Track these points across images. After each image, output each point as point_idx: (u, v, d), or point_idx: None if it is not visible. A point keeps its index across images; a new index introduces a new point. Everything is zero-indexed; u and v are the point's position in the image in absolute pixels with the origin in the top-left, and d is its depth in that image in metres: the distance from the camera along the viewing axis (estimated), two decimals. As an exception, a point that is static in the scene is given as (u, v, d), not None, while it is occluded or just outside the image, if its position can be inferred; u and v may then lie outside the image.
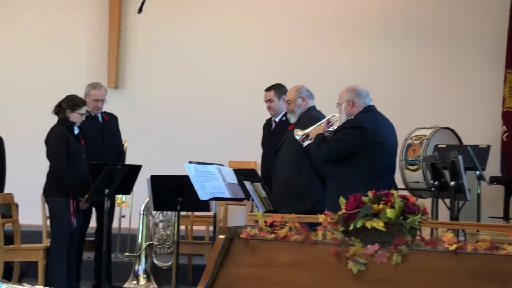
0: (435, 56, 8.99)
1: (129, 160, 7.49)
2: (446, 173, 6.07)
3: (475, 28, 8.89)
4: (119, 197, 7.52)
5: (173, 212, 6.89)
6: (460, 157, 5.76)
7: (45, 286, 6.07)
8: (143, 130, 9.29)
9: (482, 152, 7.16)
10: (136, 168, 6.46)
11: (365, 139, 5.01)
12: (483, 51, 8.85)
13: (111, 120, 7.07)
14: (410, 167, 7.71)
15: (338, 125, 5.25)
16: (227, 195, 5.75)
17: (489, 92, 8.80)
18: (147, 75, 9.57)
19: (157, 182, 6.10)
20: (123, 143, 7.30)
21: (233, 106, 9.30)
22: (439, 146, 7.39)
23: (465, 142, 7.72)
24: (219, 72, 9.39)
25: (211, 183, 5.66)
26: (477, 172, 6.61)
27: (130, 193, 6.86)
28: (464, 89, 8.92)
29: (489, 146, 7.36)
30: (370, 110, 5.18)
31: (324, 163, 5.29)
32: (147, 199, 6.74)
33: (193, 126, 9.34)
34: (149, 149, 9.12)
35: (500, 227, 4.94)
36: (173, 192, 6.02)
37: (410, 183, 7.75)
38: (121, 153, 7.19)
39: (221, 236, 3.62)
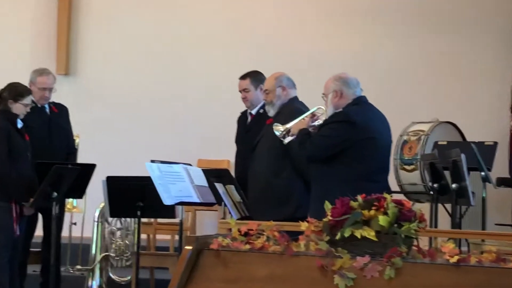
0: (435, 42, 9.04)
1: (81, 158, 7.46)
2: (447, 174, 6.12)
3: (480, 12, 8.96)
4: (70, 201, 7.48)
5: (132, 219, 6.87)
6: (462, 156, 5.81)
7: (-17, 304, 6.04)
8: (98, 124, 9.25)
9: (488, 150, 7.22)
10: (89, 168, 6.44)
11: (355, 135, 5.04)
12: (490, 38, 8.92)
13: (61, 112, 7.04)
14: (406, 167, 7.76)
15: (324, 119, 5.27)
16: (195, 199, 5.75)
17: (496, 82, 8.87)
18: (103, 60, 9.52)
19: (114, 184, 6.08)
20: (74, 138, 7.27)
21: (203, 97, 9.29)
22: (439, 143, 7.44)
23: (468, 139, 7.77)
24: (188, 57, 9.37)
25: (176, 186, 5.66)
26: (482, 173, 6.67)
27: (83, 196, 6.83)
28: (467, 79, 8.98)
29: (496, 143, 7.42)
30: (360, 102, 5.21)
31: (307, 163, 5.31)
32: (102, 204, 6.71)
33: (156, 119, 9.32)
34: (105, 146, 9.08)
35: (508, 236, 4.99)
36: (132, 196, 6.00)
37: (405, 185, 7.80)
38: (72, 150, 7.16)
39: (188, 247, 3.62)
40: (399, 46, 9.10)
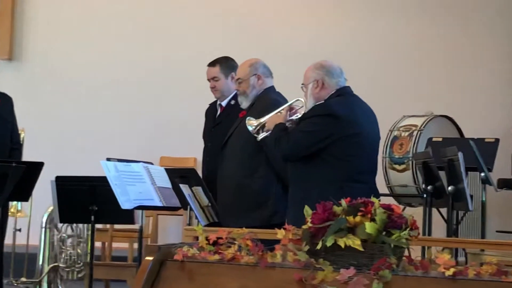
0: (430, 27, 9.09)
1: (27, 155, 7.42)
2: (442, 174, 6.15)
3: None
4: (14, 205, 7.46)
5: (85, 225, 6.85)
6: (460, 154, 5.83)
7: None
8: (47, 116, 9.22)
9: (488, 148, 7.26)
10: (36, 166, 6.41)
11: (339, 130, 5.04)
12: (491, 23, 8.98)
13: (4, 102, 7.02)
14: (396, 166, 7.80)
15: (303, 112, 5.27)
16: (157, 202, 5.74)
17: (497, 72, 8.93)
18: (52, 44, 9.48)
19: (64, 184, 6.06)
20: (19, 132, 7.24)
21: (166, 85, 9.27)
22: (434, 139, 7.48)
23: (466, 135, 7.82)
24: (148, 42, 9.36)
25: (136, 187, 5.65)
26: (482, 174, 6.70)
27: (29, 199, 6.80)
28: (466, 68, 9.04)
29: (497, 140, 7.47)
30: (344, 93, 5.21)
31: (284, 162, 5.32)
32: (51, 208, 6.69)
33: (113, 111, 9.29)
34: (54, 142, 9.05)
35: (510, 246, 5.01)
36: (85, 198, 5.99)
37: (395, 187, 7.84)
38: (17, 145, 7.13)
39: (149, 258, 3.61)
40: (390, 31, 9.14)
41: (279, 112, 5.39)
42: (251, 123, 5.48)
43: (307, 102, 5.25)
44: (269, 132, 5.33)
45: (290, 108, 5.38)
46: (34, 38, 9.51)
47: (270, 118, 5.38)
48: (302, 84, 5.26)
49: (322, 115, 5.10)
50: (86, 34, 9.43)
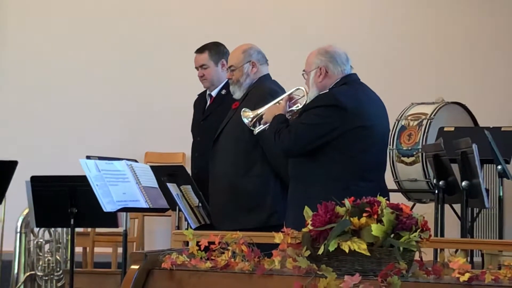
0: (440, 5, 9.09)
1: (-1, 153, 7.43)
2: (455, 167, 6.15)
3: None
4: (-15, 208, 7.46)
5: (64, 229, 6.86)
6: (474, 146, 5.84)
7: None
8: (19, 110, 9.20)
9: (506, 138, 7.26)
10: (9, 166, 6.40)
11: (345, 123, 5.02)
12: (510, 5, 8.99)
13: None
14: (404, 159, 7.80)
15: (304, 102, 5.25)
16: (142, 204, 5.75)
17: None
18: (22, 30, 9.47)
19: (40, 185, 6.07)
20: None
21: (150, 74, 9.26)
22: (445, 129, 7.47)
23: (481, 124, 7.82)
24: (133, 24, 9.34)
25: (119, 187, 5.66)
26: (499, 167, 6.71)
27: (2, 201, 6.80)
28: (480, 50, 9.03)
29: (516, 129, 7.49)
30: (351, 81, 5.18)
31: (285, 158, 5.30)
32: (26, 211, 6.69)
33: (92, 104, 9.28)
34: (29, 138, 9.03)
35: (531, 246, 5.03)
36: (64, 200, 5.99)
37: (404, 181, 7.83)
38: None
39: (135, 266, 3.61)
40: (395, 10, 9.12)
41: (277, 102, 5.36)
42: (247, 115, 5.44)
43: (309, 91, 5.22)
44: (267, 124, 5.29)
45: (290, 98, 5.35)
46: (3, 22, 9.50)
47: (268, 109, 5.34)
48: (304, 71, 5.23)
49: (327, 106, 5.06)
50: (59, 18, 9.40)
